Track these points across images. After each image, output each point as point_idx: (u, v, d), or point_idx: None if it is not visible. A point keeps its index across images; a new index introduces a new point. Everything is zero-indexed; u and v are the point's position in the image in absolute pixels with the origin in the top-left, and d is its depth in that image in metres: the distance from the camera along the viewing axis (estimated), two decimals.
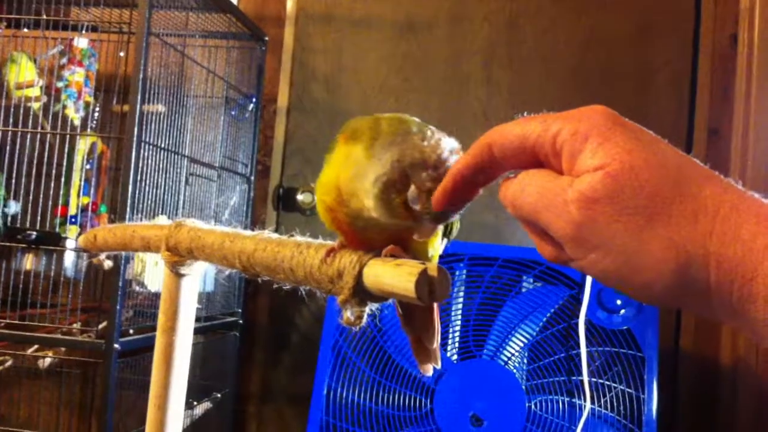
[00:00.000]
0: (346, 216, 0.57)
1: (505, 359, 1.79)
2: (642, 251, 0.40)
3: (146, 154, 1.75)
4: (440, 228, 0.58)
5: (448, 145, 0.53)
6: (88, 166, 2.02)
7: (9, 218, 2.02)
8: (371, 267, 0.55)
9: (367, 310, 0.57)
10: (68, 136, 1.97)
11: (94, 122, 2.10)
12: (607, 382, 1.77)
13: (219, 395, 2.21)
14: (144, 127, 1.73)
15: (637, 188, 0.40)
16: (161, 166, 1.83)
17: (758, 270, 0.38)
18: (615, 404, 1.76)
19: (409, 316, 0.68)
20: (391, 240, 0.57)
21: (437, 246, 0.63)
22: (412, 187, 0.51)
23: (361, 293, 0.56)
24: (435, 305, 0.66)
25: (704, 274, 0.39)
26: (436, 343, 0.68)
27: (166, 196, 1.86)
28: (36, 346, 2.11)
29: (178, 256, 0.82)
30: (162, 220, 1.80)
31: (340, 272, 0.57)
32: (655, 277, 0.40)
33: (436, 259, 0.63)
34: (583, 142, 0.42)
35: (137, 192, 1.72)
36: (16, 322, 1.85)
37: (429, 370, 0.69)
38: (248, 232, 0.72)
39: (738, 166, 2.15)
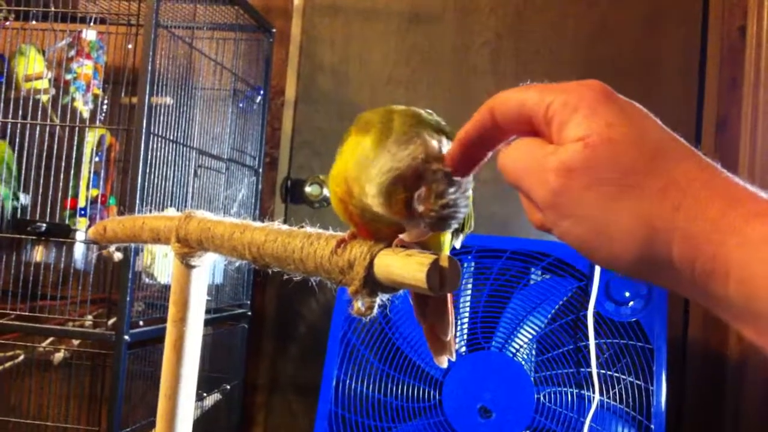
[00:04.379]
0: (355, 207, 0.57)
1: (514, 351, 1.79)
2: (611, 221, 0.41)
3: (155, 146, 1.76)
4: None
5: None
6: (96, 159, 2.02)
7: (19, 210, 2.03)
8: (382, 257, 0.56)
9: (377, 300, 0.57)
10: (77, 128, 1.97)
11: (103, 114, 2.11)
12: (616, 374, 1.77)
13: (228, 386, 2.21)
14: (152, 119, 1.74)
15: (612, 160, 0.41)
16: (170, 158, 1.83)
17: (720, 248, 0.38)
18: (624, 396, 1.76)
19: (424, 307, 0.68)
20: (401, 232, 0.57)
21: (448, 237, 0.63)
22: (423, 188, 0.52)
23: (371, 284, 0.56)
24: (449, 296, 0.66)
25: (669, 248, 0.40)
26: (451, 335, 0.68)
27: (174, 188, 1.87)
28: (50, 339, 2.12)
29: (188, 248, 0.82)
30: (171, 212, 1.81)
31: (351, 263, 0.57)
32: (623, 247, 0.42)
33: (446, 250, 0.63)
34: (571, 114, 0.43)
35: (146, 184, 1.73)
36: (27, 313, 1.86)
37: (444, 361, 0.69)
38: (258, 224, 0.72)
39: (746, 156, 2.14)
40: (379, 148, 0.54)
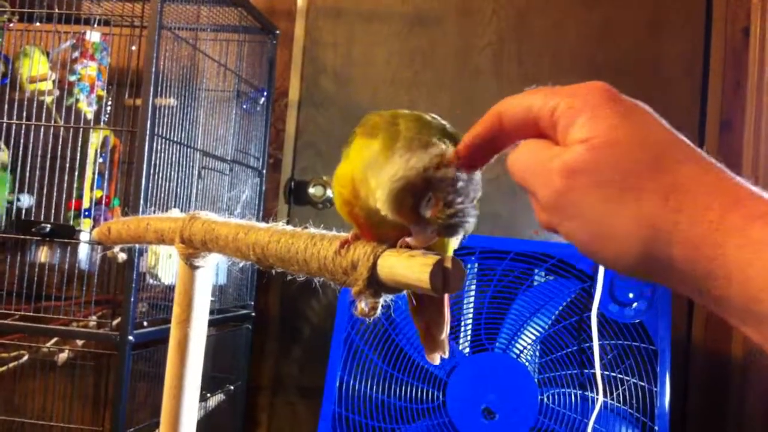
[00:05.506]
0: (361, 210, 0.58)
1: (517, 352, 1.79)
2: (613, 223, 0.42)
3: (159, 147, 1.76)
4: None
5: None
6: (100, 160, 2.03)
7: (23, 211, 2.03)
8: (385, 258, 0.56)
9: (381, 301, 0.57)
10: (81, 129, 1.98)
11: (107, 116, 2.11)
12: (620, 375, 1.77)
13: (232, 387, 2.22)
14: (156, 120, 1.74)
15: (615, 162, 0.42)
16: (173, 159, 1.84)
17: (721, 250, 0.38)
18: (627, 397, 1.76)
19: (420, 306, 0.68)
20: (405, 234, 0.57)
21: (450, 241, 0.63)
22: (432, 196, 0.52)
23: (375, 284, 0.56)
24: (446, 296, 0.66)
25: (670, 250, 0.40)
26: (445, 334, 0.68)
27: (178, 190, 1.87)
28: (54, 340, 2.13)
29: (193, 249, 0.82)
30: (175, 213, 1.81)
31: (354, 263, 0.58)
32: (624, 248, 0.42)
33: (450, 251, 0.63)
34: (576, 116, 0.44)
35: (150, 185, 1.73)
36: (31, 314, 1.86)
37: (436, 359, 0.70)
38: (262, 224, 0.72)
39: (750, 157, 2.14)
40: (389, 153, 0.54)
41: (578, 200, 0.43)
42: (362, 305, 0.57)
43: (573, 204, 0.43)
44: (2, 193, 2.02)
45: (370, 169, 0.55)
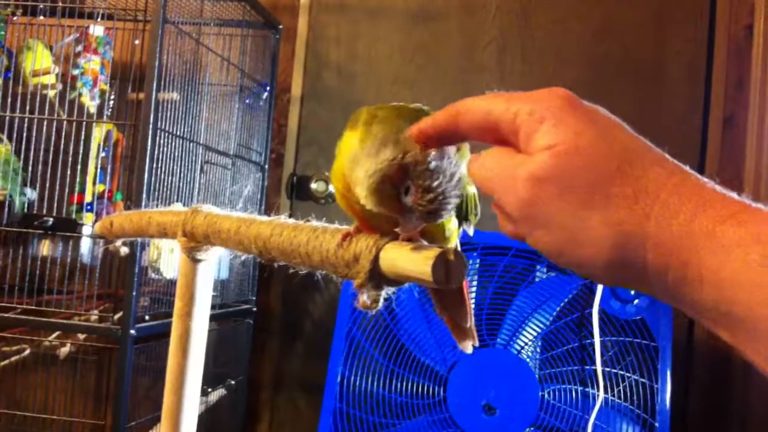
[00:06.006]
0: (356, 203, 0.58)
1: (519, 348, 1.79)
2: (581, 229, 0.42)
3: (161, 141, 1.76)
4: (453, 213, 0.58)
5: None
6: (103, 154, 2.03)
7: (25, 205, 2.03)
8: (387, 251, 0.56)
9: (383, 294, 0.57)
10: (84, 123, 1.98)
11: (110, 110, 2.11)
12: (621, 372, 1.77)
13: (233, 382, 2.22)
14: (159, 114, 1.74)
15: (580, 169, 0.42)
16: (176, 153, 1.84)
17: (692, 254, 0.38)
18: (628, 394, 1.76)
19: (442, 299, 0.69)
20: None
21: (453, 230, 0.63)
22: (410, 184, 0.52)
23: (377, 277, 0.56)
24: (465, 285, 0.66)
25: (641, 254, 0.40)
26: (471, 321, 0.69)
27: (181, 184, 1.87)
28: (57, 333, 2.13)
29: (195, 242, 0.82)
30: (177, 207, 1.81)
31: (357, 256, 0.58)
32: (594, 254, 0.42)
33: (453, 243, 0.63)
34: (538, 123, 0.44)
35: (152, 179, 1.73)
36: (33, 308, 1.86)
37: (468, 347, 0.70)
38: (264, 218, 0.72)
39: (753, 155, 2.14)
40: (364, 148, 0.55)
41: (546, 208, 0.43)
42: (364, 298, 0.57)
43: (541, 213, 0.43)
44: (15, 186, 2.02)
45: (352, 163, 0.56)
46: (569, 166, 0.42)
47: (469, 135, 0.48)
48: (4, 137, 1.99)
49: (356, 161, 0.55)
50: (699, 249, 0.38)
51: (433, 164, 0.51)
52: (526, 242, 0.46)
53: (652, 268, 0.40)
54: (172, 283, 1.85)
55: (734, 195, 0.40)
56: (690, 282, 0.39)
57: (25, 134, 1.94)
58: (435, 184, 0.51)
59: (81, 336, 2.16)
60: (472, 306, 1.83)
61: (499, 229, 0.48)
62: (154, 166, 1.74)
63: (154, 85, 1.70)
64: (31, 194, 2.05)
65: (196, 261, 0.86)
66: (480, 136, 0.48)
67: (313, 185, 2.41)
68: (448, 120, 0.48)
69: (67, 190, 1.95)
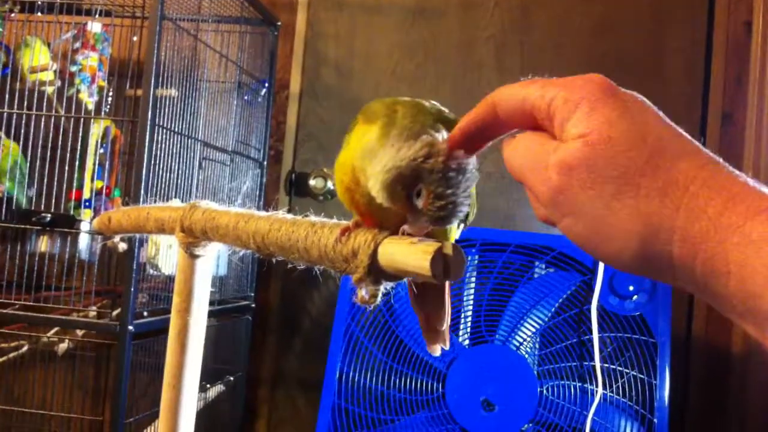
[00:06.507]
0: (362, 197, 0.57)
1: (517, 344, 1.79)
2: (610, 219, 0.42)
3: (160, 137, 1.76)
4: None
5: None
6: (101, 150, 2.03)
7: (24, 201, 2.03)
8: (386, 245, 0.55)
9: (381, 288, 0.57)
10: (82, 119, 1.98)
11: (108, 106, 2.11)
12: (619, 368, 1.77)
13: (231, 378, 2.22)
14: (157, 111, 1.74)
15: (611, 158, 0.41)
16: (174, 150, 1.84)
17: (720, 247, 0.38)
18: (627, 390, 1.76)
19: (422, 296, 0.68)
20: (406, 221, 0.57)
21: (452, 228, 0.63)
22: (422, 188, 0.52)
23: (375, 272, 0.56)
24: (447, 286, 0.66)
25: (669, 247, 0.40)
26: (446, 324, 0.68)
27: (179, 181, 1.87)
28: (55, 329, 2.13)
29: (193, 238, 0.82)
30: (175, 203, 1.81)
31: (355, 251, 0.57)
32: (622, 245, 0.42)
33: (452, 238, 0.63)
34: (573, 110, 0.43)
35: (151, 176, 1.73)
36: (31, 303, 1.86)
37: (437, 350, 0.69)
38: (262, 213, 0.72)
39: (752, 151, 2.14)
40: (384, 142, 0.54)
41: (576, 197, 0.43)
42: (362, 293, 0.57)
43: (571, 201, 0.43)
44: (21, 188, 2.02)
45: (367, 156, 0.55)
46: (600, 155, 0.42)
47: (509, 123, 0.48)
48: (9, 137, 1.99)
49: (373, 155, 0.54)
50: (727, 243, 0.38)
51: (450, 173, 0.51)
52: (556, 227, 0.46)
53: (679, 261, 0.40)
54: (170, 279, 1.85)
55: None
56: (717, 276, 0.39)
57: (23, 131, 1.93)
58: (448, 192, 0.51)
59: (79, 332, 2.16)
60: (471, 307, 1.83)
61: (534, 212, 0.48)
62: (153, 162, 1.73)
63: (152, 81, 1.70)
64: (30, 190, 2.05)
65: (194, 257, 0.85)
66: (519, 122, 0.47)
67: (312, 182, 2.41)
68: (487, 110, 0.48)
69: (65, 186, 1.95)
